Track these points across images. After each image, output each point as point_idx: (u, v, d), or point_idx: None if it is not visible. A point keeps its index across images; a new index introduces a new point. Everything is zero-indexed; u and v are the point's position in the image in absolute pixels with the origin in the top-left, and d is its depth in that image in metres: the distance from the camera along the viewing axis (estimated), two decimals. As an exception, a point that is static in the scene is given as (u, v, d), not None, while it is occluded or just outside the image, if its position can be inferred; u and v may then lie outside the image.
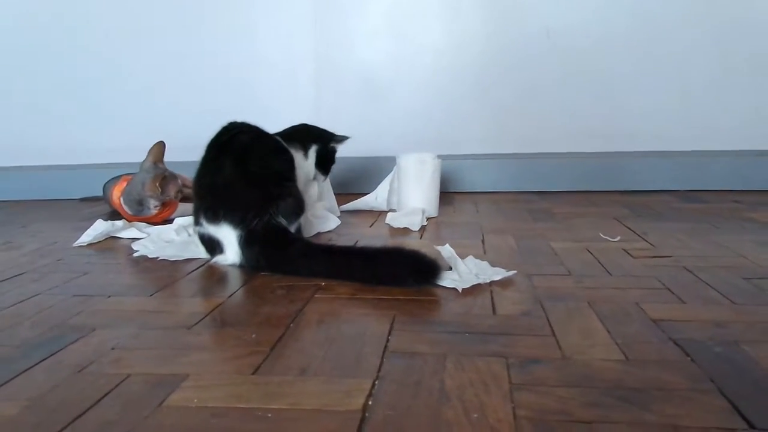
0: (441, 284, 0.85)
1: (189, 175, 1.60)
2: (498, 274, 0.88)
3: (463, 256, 0.94)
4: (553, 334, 0.67)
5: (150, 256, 1.11)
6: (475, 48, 1.84)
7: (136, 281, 1.00)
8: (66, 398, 0.56)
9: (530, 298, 0.80)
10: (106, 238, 1.30)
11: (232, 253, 1.01)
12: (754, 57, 1.73)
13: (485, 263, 0.93)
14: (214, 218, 1.01)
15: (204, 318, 0.77)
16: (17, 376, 0.61)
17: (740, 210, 1.40)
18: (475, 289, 0.84)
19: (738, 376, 0.56)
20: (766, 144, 1.75)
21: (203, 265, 1.05)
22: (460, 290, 0.83)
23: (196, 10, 1.93)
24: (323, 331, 0.70)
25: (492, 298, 0.80)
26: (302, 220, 1.10)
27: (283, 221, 1.02)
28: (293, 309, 0.79)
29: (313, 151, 1.26)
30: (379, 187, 1.55)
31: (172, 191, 1.43)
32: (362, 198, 1.55)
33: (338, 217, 1.37)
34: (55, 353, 0.67)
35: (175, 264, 1.07)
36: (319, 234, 1.26)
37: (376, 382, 0.56)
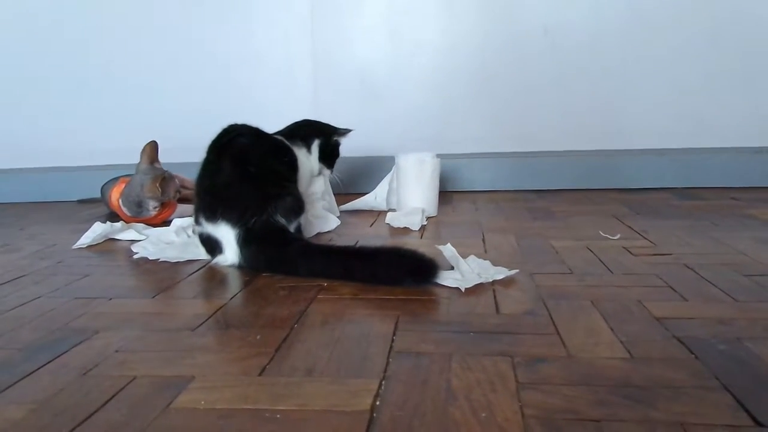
0: (444, 284, 0.85)
1: (187, 175, 1.61)
2: (500, 273, 0.88)
3: (464, 256, 0.95)
4: (558, 333, 0.67)
5: (150, 258, 1.11)
6: (472, 46, 1.84)
7: (137, 283, 0.99)
8: (72, 401, 0.56)
9: (533, 297, 0.80)
10: (104, 240, 1.30)
11: (231, 252, 1.01)
12: (751, 54, 1.73)
13: (487, 262, 0.93)
14: (212, 217, 1.01)
15: (207, 320, 0.77)
16: (22, 379, 0.61)
17: (739, 207, 1.41)
18: (477, 289, 0.84)
19: (743, 374, 0.56)
20: (763, 141, 1.76)
21: (204, 266, 1.05)
22: (463, 290, 0.83)
23: (194, 11, 1.92)
24: (328, 332, 0.70)
25: (495, 297, 0.81)
26: (302, 220, 1.10)
27: (281, 220, 1.02)
28: (296, 310, 0.79)
29: (315, 146, 1.27)
30: (379, 186, 1.56)
31: (171, 191, 1.43)
32: (361, 198, 1.55)
33: (338, 217, 1.37)
34: (59, 356, 0.67)
35: (175, 265, 1.07)
36: (319, 234, 1.26)
37: (383, 382, 0.56)
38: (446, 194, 1.74)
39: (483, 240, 1.16)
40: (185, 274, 1.00)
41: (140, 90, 1.99)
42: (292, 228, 1.05)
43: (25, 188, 2.05)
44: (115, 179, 1.55)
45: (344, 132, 1.34)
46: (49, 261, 1.14)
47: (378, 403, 0.52)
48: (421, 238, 1.22)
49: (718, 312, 0.72)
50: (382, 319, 0.74)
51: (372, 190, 1.57)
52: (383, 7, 1.86)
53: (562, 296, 0.80)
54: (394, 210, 1.47)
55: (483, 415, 0.50)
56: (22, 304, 0.87)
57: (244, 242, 0.99)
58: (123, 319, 0.78)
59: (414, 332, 0.69)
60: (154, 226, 1.38)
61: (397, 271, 0.88)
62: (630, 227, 1.22)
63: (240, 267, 1.01)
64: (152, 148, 1.45)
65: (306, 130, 1.28)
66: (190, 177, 1.61)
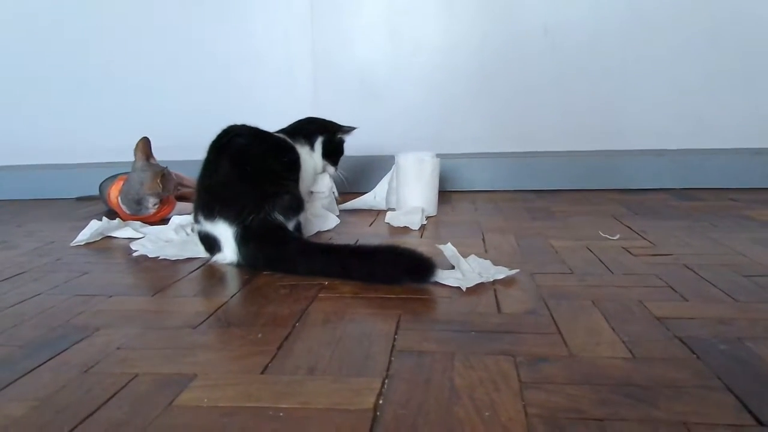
0: (445, 283, 0.85)
1: (186, 173, 1.61)
2: (501, 272, 0.88)
3: (465, 255, 0.95)
4: (559, 333, 0.67)
5: (150, 256, 1.11)
6: (472, 46, 1.84)
7: (137, 281, 0.99)
8: (74, 398, 0.55)
9: (534, 297, 0.80)
10: (102, 238, 1.30)
11: (229, 251, 1.01)
12: (750, 55, 1.74)
13: (488, 262, 0.93)
14: (210, 215, 1.01)
15: (208, 318, 0.76)
16: (23, 376, 0.61)
17: (737, 208, 1.41)
18: (478, 288, 0.84)
19: (744, 374, 0.56)
20: (761, 142, 1.77)
21: (204, 264, 1.05)
22: (464, 289, 0.83)
23: (193, 11, 1.92)
24: (329, 331, 0.70)
25: (496, 296, 0.81)
26: (302, 218, 1.10)
27: (279, 218, 1.02)
28: (297, 308, 0.79)
29: (319, 144, 1.28)
30: (378, 186, 1.55)
31: (171, 187, 1.43)
32: (361, 197, 1.55)
33: (337, 216, 1.36)
34: (59, 353, 0.66)
35: (175, 263, 1.06)
36: (319, 233, 1.26)
37: (386, 381, 0.56)
38: (445, 194, 1.74)
39: (483, 240, 1.16)
40: (185, 272, 1.00)
41: (140, 89, 1.98)
42: (290, 226, 1.05)
43: (22, 185, 2.05)
44: (114, 177, 1.55)
45: (348, 129, 1.35)
46: (47, 258, 1.13)
47: (381, 401, 0.52)
48: (421, 237, 1.22)
49: (718, 312, 0.72)
50: (383, 318, 0.74)
51: (371, 190, 1.57)
52: (383, 7, 1.86)
53: (563, 296, 0.80)
54: (393, 209, 1.47)
55: (486, 414, 0.50)
56: (22, 301, 0.87)
57: (242, 240, 0.99)
58: (123, 317, 0.78)
59: (416, 331, 0.69)
60: (152, 225, 1.37)
61: (395, 270, 0.88)
62: (629, 227, 1.22)
63: (238, 265, 1.01)
64: (145, 143, 1.44)
65: (309, 128, 1.30)
66: (189, 175, 1.63)
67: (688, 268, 0.92)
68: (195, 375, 0.59)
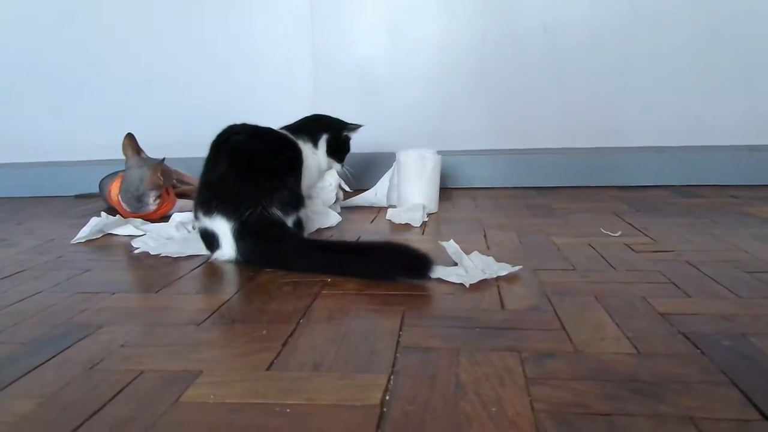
0: (448, 280, 0.85)
1: (186, 170, 1.61)
2: (504, 269, 0.88)
3: (467, 252, 0.95)
4: (564, 329, 0.67)
5: (152, 253, 1.11)
6: (471, 44, 1.84)
7: (139, 278, 0.99)
8: (79, 395, 0.55)
9: (537, 293, 0.80)
10: (103, 235, 1.29)
11: (227, 246, 1.01)
12: (749, 53, 1.74)
13: (491, 258, 0.93)
14: (209, 211, 1.01)
15: (212, 315, 0.76)
16: (27, 373, 0.61)
17: (737, 204, 1.41)
18: (481, 285, 0.84)
19: (749, 369, 0.56)
20: (761, 139, 1.77)
21: (206, 261, 1.05)
22: (467, 285, 0.83)
23: (193, 10, 1.91)
24: (334, 327, 0.70)
25: (499, 293, 0.81)
26: (302, 214, 1.10)
27: (277, 213, 1.01)
28: (301, 305, 0.78)
29: (323, 141, 1.29)
30: (379, 183, 1.55)
31: (171, 178, 1.43)
32: (362, 194, 1.55)
33: (338, 213, 1.36)
34: (63, 351, 0.66)
35: (177, 261, 1.06)
36: (320, 230, 1.26)
37: (392, 377, 0.56)
38: (446, 191, 1.74)
39: (485, 236, 1.16)
40: (187, 270, 1.00)
41: (140, 87, 1.98)
42: (290, 222, 1.04)
43: (21, 183, 2.04)
44: (114, 174, 1.54)
45: (354, 127, 1.36)
46: (48, 256, 1.13)
47: (388, 397, 0.53)
48: (423, 234, 1.22)
49: (721, 308, 0.73)
50: (387, 315, 0.74)
51: (372, 187, 1.57)
52: (383, 5, 1.85)
53: (566, 292, 0.80)
54: (394, 206, 1.47)
55: (493, 409, 0.50)
56: (23, 299, 0.86)
57: (239, 235, 0.99)
58: (126, 314, 0.78)
59: (420, 327, 0.69)
60: (153, 222, 1.37)
61: (392, 266, 0.88)
62: (630, 224, 1.22)
63: (237, 262, 1.01)
64: (131, 140, 1.43)
65: (314, 125, 1.31)
66: (189, 173, 1.62)
67: (690, 264, 0.92)
68: (200, 371, 0.59)
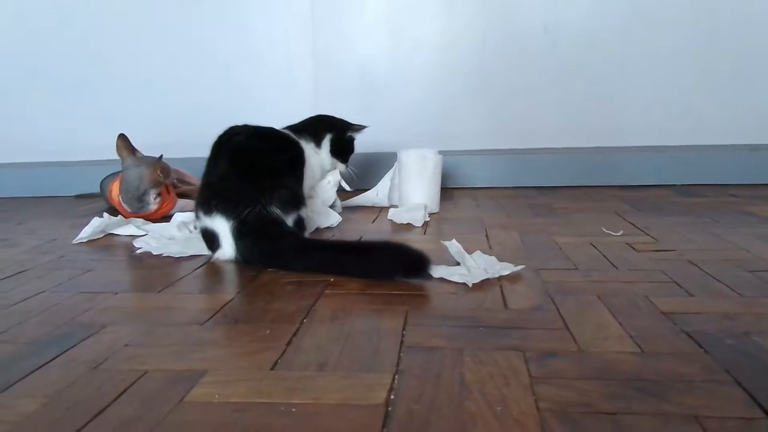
0: (451, 279, 0.85)
1: (186, 170, 1.61)
2: (506, 269, 0.88)
3: (469, 251, 0.95)
4: (567, 328, 0.67)
5: (154, 253, 1.11)
6: (472, 43, 1.84)
7: (141, 278, 0.99)
8: (84, 395, 0.55)
9: (540, 293, 0.80)
10: (104, 235, 1.29)
11: (228, 246, 1.01)
12: (748, 53, 1.74)
13: (493, 258, 0.93)
14: (208, 210, 1.02)
15: (215, 314, 0.76)
16: (31, 373, 0.61)
17: (738, 204, 1.42)
18: (484, 284, 0.84)
19: (752, 367, 0.56)
20: (761, 138, 1.77)
21: (208, 261, 1.05)
22: (470, 285, 0.83)
23: (194, 10, 1.91)
24: (337, 327, 0.70)
25: (502, 292, 0.81)
26: (303, 213, 1.09)
27: (276, 211, 1.01)
28: (304, 305, 0.78)
29: (327, 141, 1.30)
30: (380, 182, 1.55)
31: (170, 174, 1.44)
32: (363, 194, 1.55)
33: (339, 213, 1.36)
34: (67, 350, 0.66)
35: (179, 260, 1.06)
36: (321, 230, 1.26)
37: (396, 377, 0.56)
38: (446, 191, 1.74)
39: (486, 236, 1.17)
40: (189, 270, 1.00)
41: (140, 87, 1.98)
42: (290, 221, 1.04)
43: (21, 183, 2.04)
44: (115, 174, 1.54)
45: (358, 128, 1.37)
46: (50, 256, 1.13)
47: (393, 397, 0.53)
48: (425, 234, 1.22)
49: (724, 307, 0.73)
50: (390, 314, 0.74)
51: (373, 187, 1.57)
52: (383, 5, 1.85)
53: (569, 292, 0.80)
54: (395, 206, 1.47)
55: (498, 408, 0.50)
56: (26, 299, 0.86)
57: (238, 234, 0.99)
58: (130, 314, 0.78)
59: (424, 327, 0.69)
60: (154, 222, 1.37)
61: (390, 266, 0.88)
62: (632, 224, 1.22)
63: (237, 261, 1.01)
64: (124, 140, 1.43)
65: (318, 126, 1.31)
66: (190, 172, 1.63)
67: (691, 263, 0.92)
68: (205, 371, 0.59)
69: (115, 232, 1.30)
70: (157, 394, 0.55)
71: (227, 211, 0.99)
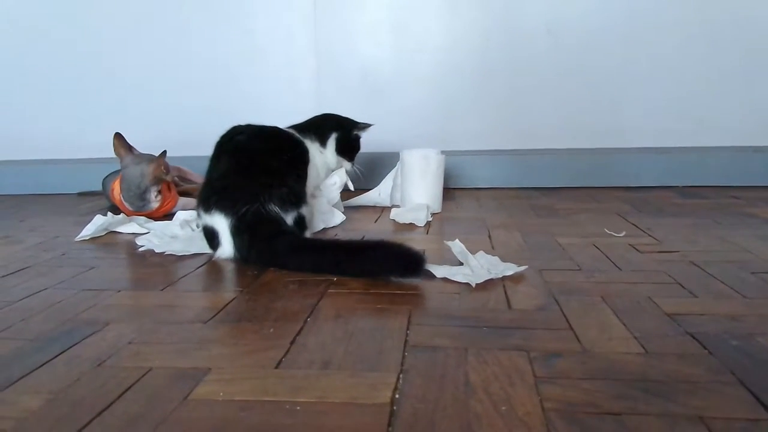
0: (454, 279, 0.85)
1: (187, 167, 1.61)
2: (509, 269, 0.88)
3: (472, 252, 0.95)
4: (571, 328, 0.67)
5: (156, 251, 1.11)
6: (475, 43, 1.84)
7: (144, 276, 0.99)
8: (89, 392, 0.55)
9: (544, 293, 0.80)
10: (107, 233, 1.29)
11: (227, 244, 1.01)
12: (750, 53, 1.75)
13: (496, 258, 0.93)
14: (208, 207, 1.02)
15: (219, 312, 0.76)
16: (36, 369, 0.61)
17: (740, 205, 1.42)
18: (487, 285, 0.84)
19: (757, 369, 0.56)
20: (763, 140, 1.77)
21: (210, 259, 1.05)
22: (473, 285, 0.83)
23: (194, 6, 1.91)
24: (341, 326, 0.70)
25: (506, 292, 0.81)
26: (304, 212, 1.09)
27: (275, 209, 1.01)
28: (308, 304, 0.78)
29: (332, 140, 1.30)
30: (383, 182, 1.55)
31: (170, 170, 1.43)
32: (365, 194, 1.55)
33: (342, 212, 1.36)
34: (71, 347, 0.66)
35: (181, 258, 1.06)
36: (324, 229, 1.26)
37: (401, 376, 0.56)
38: (449, 191, 1.73)
39: (489, 236, 1.16)
40: (192, 268, 1.00)
41: (142, 85, 1.98)
42: (289, 219, 1.03)
43: (23, 180, 2.03)
44: (117, 172, 1.53)
45: (364, 126, 1.37)
46: (52, 253, 1.13)
47: (398, 396, 0.53)
48: (427, 234, 1.22)
49: (728, 308, 0.73)
50: (394, 314, 0.74)
51: (376, 186, 1.57)
52: (386, 5, 1.85)
53: (572, 292, 0.80)
54: (398, 206, 1.47)
55: (503, 408, 0.50)
56: (30, 296, 0.86)
57: (236, 231, 0.99)
58: (133, 311, 0.78)
59: (428, 326, 0.69)
60: (156, 220, 1.37)
61: (385, 266, 0.88)
62: (634, 225, 1.22)
63: (235, 259, 1.01)
64: (120, 139, 1.42)
65: (323, 124, 1.31)
66: (192, 170, 1.63)
67: (695, 264, 0.92)
68: (209, 369, 0.59)
69: (118, 229, 1.30)
70: (162, 392, 0.55)
71: (226, 209, 0.99)
